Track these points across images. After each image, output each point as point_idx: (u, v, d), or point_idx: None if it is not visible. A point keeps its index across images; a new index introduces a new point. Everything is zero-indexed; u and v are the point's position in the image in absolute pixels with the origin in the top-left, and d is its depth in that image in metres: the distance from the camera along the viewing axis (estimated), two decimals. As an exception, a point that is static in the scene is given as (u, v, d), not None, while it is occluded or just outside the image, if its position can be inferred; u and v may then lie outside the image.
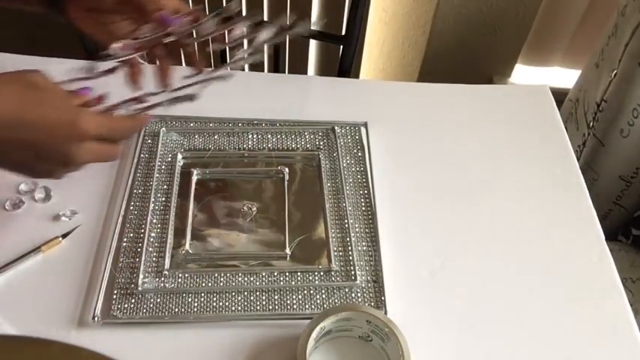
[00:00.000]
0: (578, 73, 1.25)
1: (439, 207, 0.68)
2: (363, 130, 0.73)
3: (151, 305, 0.57)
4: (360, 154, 0.71)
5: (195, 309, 0.57)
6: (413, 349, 0.51)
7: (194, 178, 0.67)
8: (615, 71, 1.03)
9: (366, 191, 0.67)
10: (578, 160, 0.74)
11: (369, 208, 0.66)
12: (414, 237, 0.65)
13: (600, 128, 1.09)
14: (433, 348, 0.56)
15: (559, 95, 0.86)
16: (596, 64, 1.12)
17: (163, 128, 0.71)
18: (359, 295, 0.59)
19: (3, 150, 0.46)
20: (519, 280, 0.62)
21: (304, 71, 1.50)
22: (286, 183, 0.68)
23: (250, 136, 0.72)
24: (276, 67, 1.06)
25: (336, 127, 0.73)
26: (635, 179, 1.11)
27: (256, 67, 1.41)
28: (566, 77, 1.51)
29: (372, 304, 0.58)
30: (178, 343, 0.55)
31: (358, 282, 0.59)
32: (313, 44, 1.49)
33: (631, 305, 0.60)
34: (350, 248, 0.62)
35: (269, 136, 0.72)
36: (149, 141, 0.70)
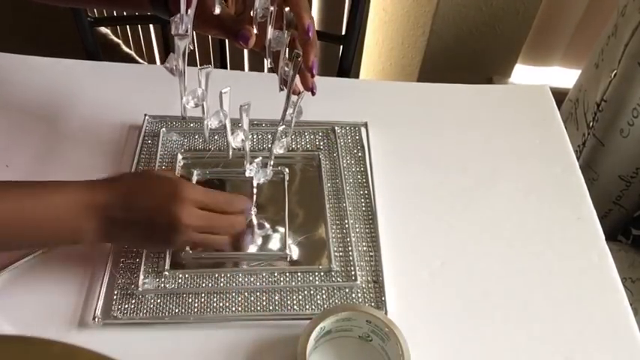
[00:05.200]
0: (578, 73, 1.25)
1: (439, 207, 0.68)
2: (363, 130, 0.73)
3: (152, 306, 0.57)
4: (360, 154, 0.71)
5: (196, 309, 0.57)
6: (413, 349, 0.51)
7: (194, 179, 0.67)
8: (615, 71, 1.03)
9: (366, 191, 0.67)
10: (578, 160, 0.74)
11: (369, 208, 0.66)
12: (414, 237, 0.65)
13: (600, 128, 1.09)
14: (433, 348, 0.56)
15: (559, 95, 0.86)
16: (596, 64, 1.12)
17: (163, 128, 0.71)
18: (359, 295, 0.59)
19: (126, 225, 0.53)
20: (519, 280, 0.62)
21: (304, 71, 1.50)
22: (286, 183, 0.68)
23: (250, 136, 0.72)
24: (276, 67, 1.05)
25: (336, 128, 0.73)
26: (634, 179, 1.11)
27: (256, 67, 1.41)
28: (566, 77, 1.51)
29: (373, 304, 0.58)
30: (178, 344, 0.55)
31: (358, 282, 0.59)
32: (313, 44, 1.49)
33: (631, 305, 0.60)
34: (350, 248, 0.62)
35: (269, 136, 0.72)
36: (149, 141, 0.70)
